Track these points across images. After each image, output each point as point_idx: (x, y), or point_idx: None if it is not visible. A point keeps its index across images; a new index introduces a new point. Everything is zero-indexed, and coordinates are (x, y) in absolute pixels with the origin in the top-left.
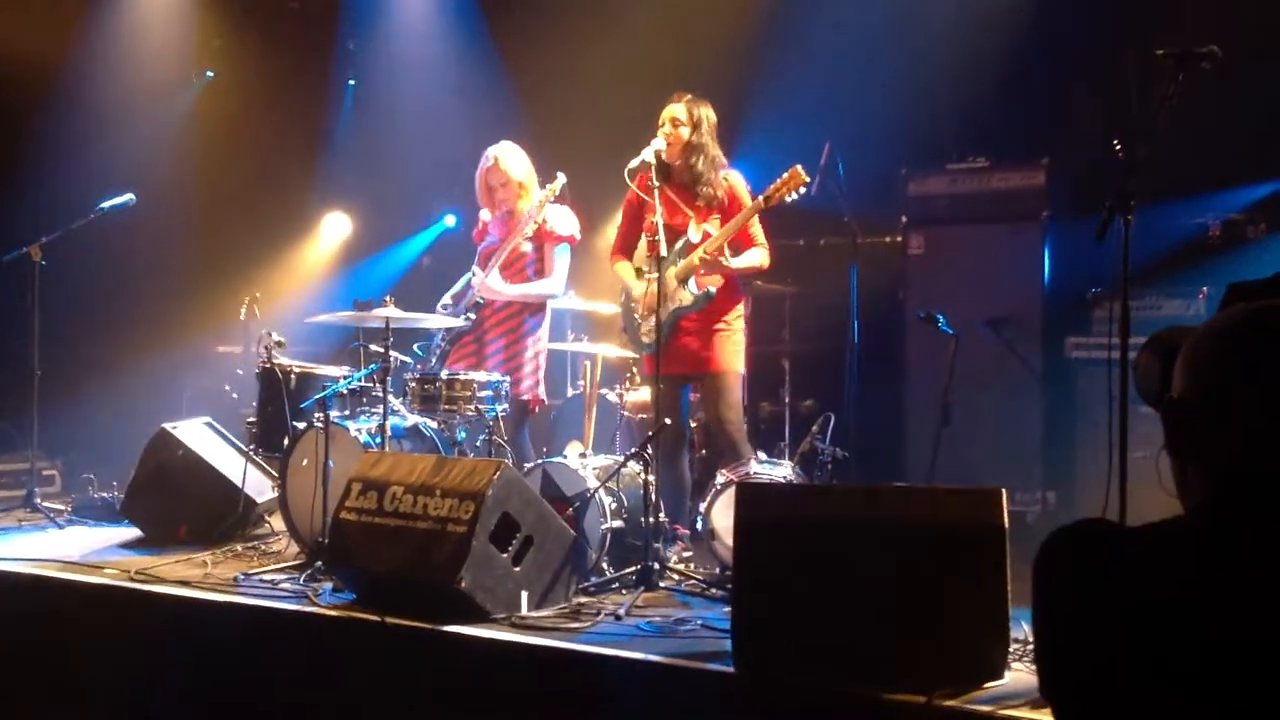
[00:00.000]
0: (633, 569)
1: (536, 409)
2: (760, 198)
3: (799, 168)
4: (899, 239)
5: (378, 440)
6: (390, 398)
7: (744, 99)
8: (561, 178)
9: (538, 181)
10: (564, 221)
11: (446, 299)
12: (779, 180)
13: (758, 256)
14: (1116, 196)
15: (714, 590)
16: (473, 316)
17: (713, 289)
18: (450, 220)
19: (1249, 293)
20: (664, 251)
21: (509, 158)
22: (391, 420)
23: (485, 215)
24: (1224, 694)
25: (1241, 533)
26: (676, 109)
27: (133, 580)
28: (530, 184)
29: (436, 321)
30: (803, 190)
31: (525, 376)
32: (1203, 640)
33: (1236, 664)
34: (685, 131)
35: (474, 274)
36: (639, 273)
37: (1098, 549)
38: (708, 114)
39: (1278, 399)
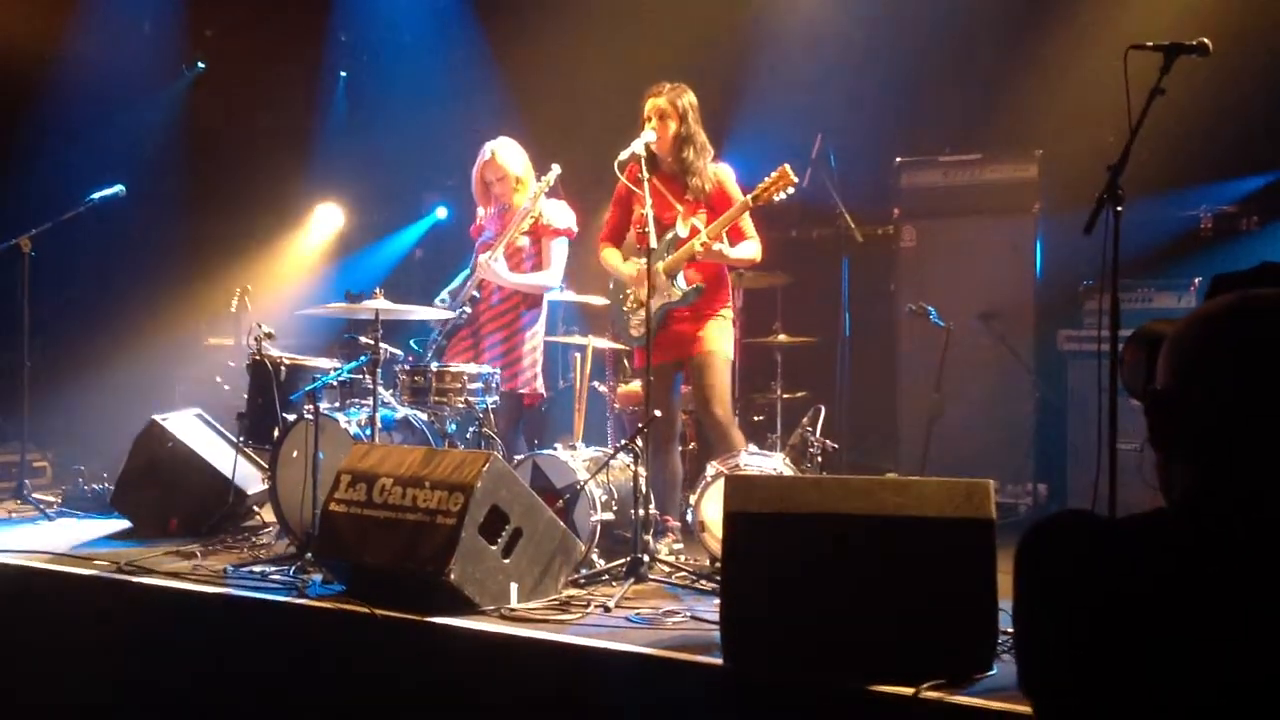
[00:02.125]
0: (622, 561)
1: (534, 403)
2: (749, 197)
3: (787, 167)
4: (891, 231)
5: (367, 432)
6: (380, 390)
7: (736, 90)
8: (556, 169)
9: (534, 175)
10: (560, 215)
11: (444, 295)
12: (768, 180)
13: (751, 250)
14: (1106, 189)
15: (703, 582)
16: (468, 311)
17: (702, 285)
18: (442, 212)
19: (1233, 284)
20: (653, 243)
21: (505, 153)
22: (381, 412)
23: (482, 212)
24: (1202, 688)
25: (1224, 526)
26: (660, 102)
27: (122, 572)
28: (527, 178)
29: (427, 314)
30: (791, 190)
31: (523, 370)
32: (1182, 634)
33: (1215, 657)
34: (673, 125)
35: (480, 259)
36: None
37: (1079, 541)
38: (690, 100)
39: (1262, 390)
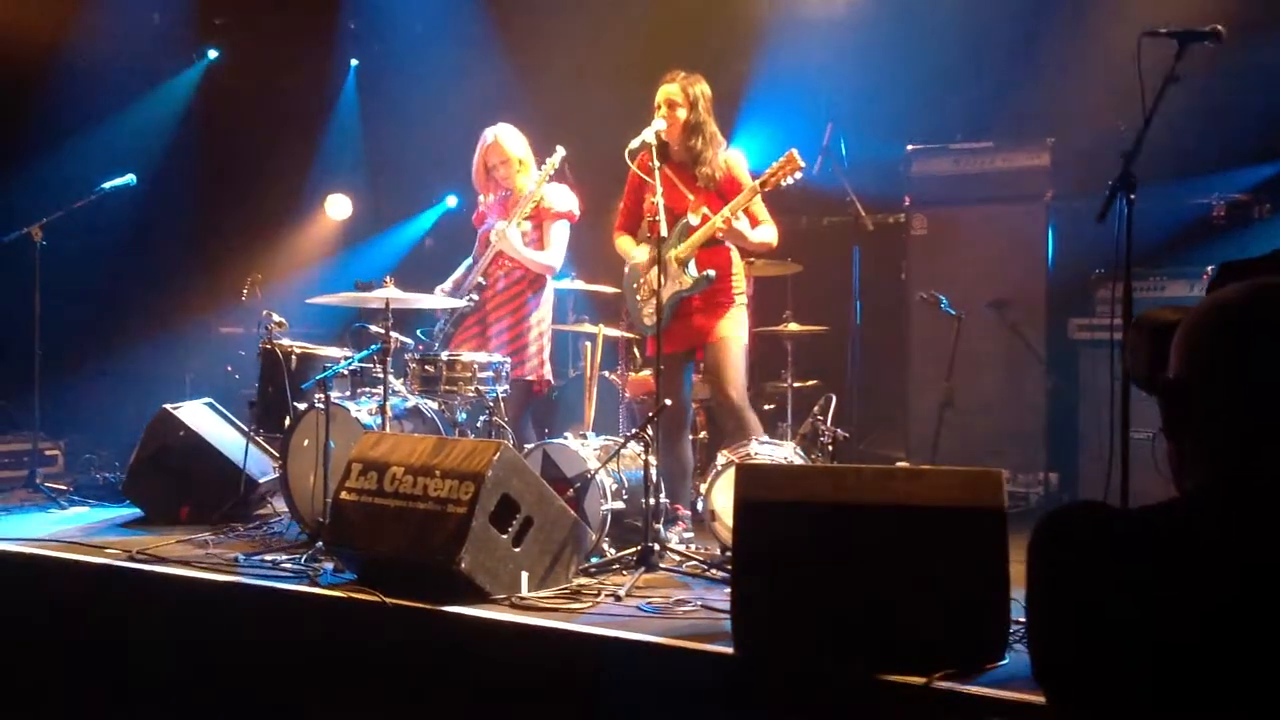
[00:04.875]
0: (633, 550)
1: (542, 391)
2: (757, 182)
3: (795, 152)
4: (902, 219)
5: (378, 421)
6: (391, 378)
7: (746, 77)
8: (560, 151)
9: (535, 160)
10: (562, 198)
11: (446, 285)
12: (775, 165)
13: (767, 233)
14: (1119, 177)
15: (714, 571)
16: (475, 298)
17: (712, 272)
18: (452, 201)
19: (1243, 271)
20: (664, 232)
21: (507, 137)
22: (392, 401)
23: (483, 200)
24: (1215, 677)
25: (1238, 516)
26: (672, 90)
27: (134, 560)
28: (528, 161)
29: (437, 302)
30: (799, 175)
31: (530, 357)
32: (1195, 622)
33: (1228, 648)
34: (683, 113)
35: (496, 226)
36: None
37: (1091, 532)
38: (703, 90)
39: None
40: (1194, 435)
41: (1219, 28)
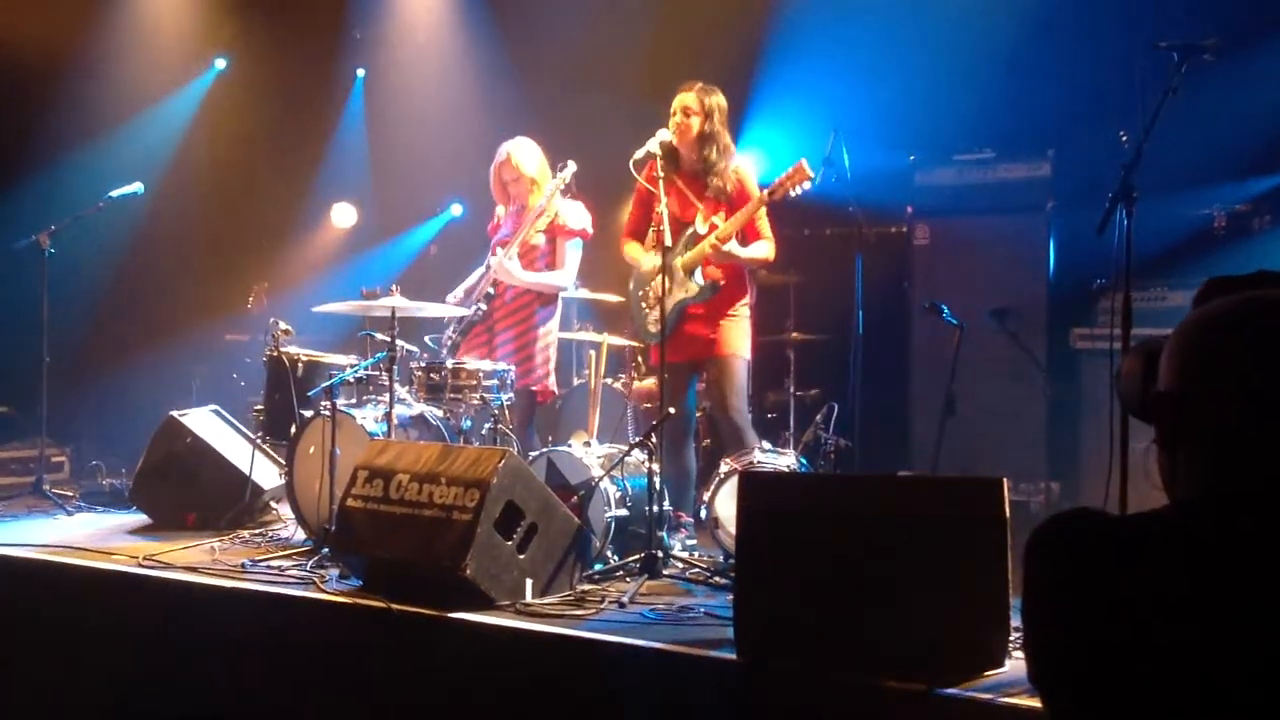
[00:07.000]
0: (637, 557)
1: (546, 400)
2: (765, 192)
3: (804, 162)
4: (904, 229)
5: (384, 428)
6: (396, 386)
7: (751, 86)
8: (571, 166)
9: (550, 174)
10: (576, 216)
11: (458, 292)
12: (784, 175)
13: (763, 249)
14: (1119, 188)
15: (717, 578)
16: (484, 307)
17: (720, 281)
18: (456, 210)
19: (1228, 288)
20: (668, 242)
21: (521, 153)
22: (397, 409)
23: (500, 211)
24: (1210, 683)
25: (1232, 523)
26: (688, 98)
27: (140, 566)
28: (543, 179)
29: (441, 311)
30: (807, 185)
31: (536, 367)
32: (1190, 628)
33: (1223, 652)
34: (697, 121)
35: (493, 258)
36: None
37: (1088, 538)
38: (719, 102)
39: (1271, 387)
40: (1186, 444)
41: (1217, 40)
